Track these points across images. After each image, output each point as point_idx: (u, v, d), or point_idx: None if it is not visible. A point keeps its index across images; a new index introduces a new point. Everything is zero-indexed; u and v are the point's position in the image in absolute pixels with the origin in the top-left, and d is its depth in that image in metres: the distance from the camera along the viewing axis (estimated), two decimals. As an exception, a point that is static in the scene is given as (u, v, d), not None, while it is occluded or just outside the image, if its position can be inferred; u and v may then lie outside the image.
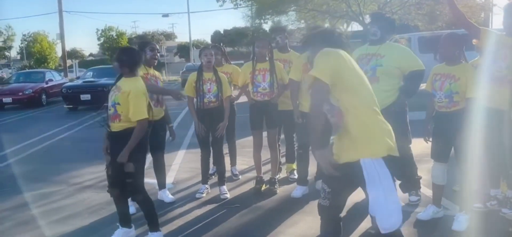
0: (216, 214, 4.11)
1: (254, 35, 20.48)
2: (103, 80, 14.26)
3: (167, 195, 4.52)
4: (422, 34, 13.80)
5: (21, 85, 15.81)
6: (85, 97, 13.59)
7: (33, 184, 5.35)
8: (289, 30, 14.56)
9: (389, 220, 2.33)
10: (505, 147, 3.53)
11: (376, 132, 2.35)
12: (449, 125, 3.53)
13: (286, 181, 5.02)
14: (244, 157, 5.94)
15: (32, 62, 39.02)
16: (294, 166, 5.05)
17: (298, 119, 4.39)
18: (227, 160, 5.03)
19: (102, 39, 41.10)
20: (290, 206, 4.21)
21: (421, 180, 4.17)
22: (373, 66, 3.88)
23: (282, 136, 5.16)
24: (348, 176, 2.39)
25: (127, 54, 3.38)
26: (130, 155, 3.23)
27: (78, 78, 19.23)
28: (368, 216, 3.87)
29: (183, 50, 48.81)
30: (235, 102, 5.20)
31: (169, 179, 5.15)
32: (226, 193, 4.57)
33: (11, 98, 14.96)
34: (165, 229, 3.74)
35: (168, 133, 4.53)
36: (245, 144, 6.40)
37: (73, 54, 53.99)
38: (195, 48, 39.95)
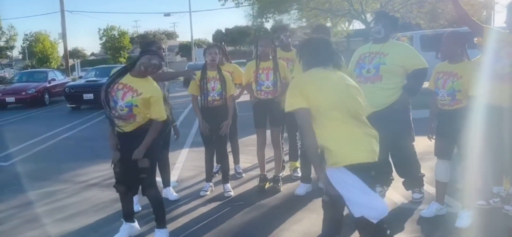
0: (220, 212, 4.14)
1: (256, 34, 20.48)
2: (106, 80, 14.28)
3: (171, 193, 4.55)
4: (424, 32, 13.80)
5: (24, 84, 15.86)
6: (88, 96, 13.63)
7: (38, 182, 5.39)
8: (291, 29, 14.61)
9: (377, 208, 2.47)
10: (507, 145, 3.55)
11: (341, 143, 2.49)
12: (452, 123, 3.55)
13: (289, 179, 5.05)
14: (247, 156, 5.97)
15: (34, 62, 39.07)
16: (298, 164, 5.07)
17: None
18: (230, 158, 5.06)
19: (104, 39, 41.10)
20: (294, 204, 4.23)
21: (424, 178, 4.19)
22: (376, 64, 3.90)
23: (285, 134, 5.19)
24: None
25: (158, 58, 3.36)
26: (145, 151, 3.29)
27: (80, 77, 19.28)
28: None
29: (185, 49, 48.83)
30: (236, 100, 5.22)
31: (173, 177, 5.18)
32: (230, 191, 4.60)
33: (14, 98, 15.01)
34: (170, 226, 3.77)
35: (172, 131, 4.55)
36: (248, 143, 6.43)
37: (75, 53, 54.02)
38: (196, 47, 39.99)
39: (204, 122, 4.49)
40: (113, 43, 40.40)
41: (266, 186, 4.71)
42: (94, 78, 15.03)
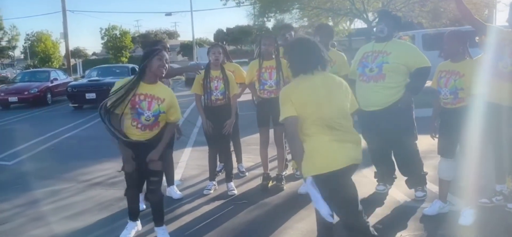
0: (224, 210, 4.16)
1: (257, 33, 20.47)
2: (108, 79, 14.34)
3: (175, 192, 4.58)
4: (426, 31, 13.78)
5: (26, 84, 15.90)
6: (90, 95, 13.66)
7: (43, 181, 5.42)
8: (295, 28, 14.57)
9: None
10: (505, 143, 3.56)
11: (312, 153, 2.62)
12: (455, 121, 3.57)
13: (292, 177, 5.07)
14: (249, 155, 5.99)
15: (36, 62, 39.15)
16: (300, 162, 5.08)
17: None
18: (233, 157, 5.08)
19: (105, 38, 41.11)
20: (297, 202, 4.25)
21: (427, 176, 4.20)
22: (379, 63, 3.92)
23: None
24: None
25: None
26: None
27: (82, 77, 19.33)
28: (375, 211, 3.96)
29: (186, 48, 48.83)
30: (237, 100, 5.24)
31: (177, 176, 5.20)
32: (234, 190, 4.62)
33: (17, 98, 15.05)
34: (174, 225, 3.80)
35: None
36: (250, 142, 6.45)
37: (76, 53, 54.16)
38: (198, 47, 39.96)
39: (207, 121, 4.51)
40: (114, 43, 40.38)
41: (269, 185, 4.73)
42: (96, 78, 15.06)
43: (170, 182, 4.62)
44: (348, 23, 20.21)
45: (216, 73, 4.48)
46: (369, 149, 4.40)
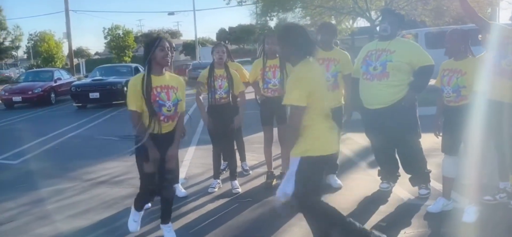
0: (228, 208, 4.18)
1: (259, 33, 20.45)
2: (112, 79, 14.39)
3: (180, 190, 4.60)
4: (429, 29, 13.77)
5: (30, 84, 15.99)
6: (94, 95, 13.71)
7: (48, 180, 5.46)
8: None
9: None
10: (507, 140, 3.56)
11: (312, 138, 2.73)
12: (458, 119, 3.58)
13: (296, 176, 5.08)
14: (253, 153, 6.01)
15: (39, 61, 39.31)
16: (304, 161, 5.10)
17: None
18: (237, 156, 5.10)
19: (108, 38, 41.23)
20: (301, 200, 4.26)
21: (430, 174, 4.21)
22: (383, 61, 3.93)
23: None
24: None
25: None
26: None
27: (86, 76, 19.39)
28: (379, 209, 3.97)
29: (189, 48, 48.95)
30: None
31: (181, 174, 5.22)
32: (238, 188, 4.64)
33: (21, 97, 15.14)
34: (179, 223, 3.82)
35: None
36: (253, 140, 6.47)
37: (79, 53, 54.36)
38: (200, 46, 40.02)
39: (209, 118, 4.54)
40: (117, 42, 40.50)
41: (273, 183, 4.75)
42: (100, 77, 15.11)
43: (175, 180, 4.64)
44: (351, 21, 20.22)
45: (220, 71, 4.51)
46: (372, 147, 4.41)
